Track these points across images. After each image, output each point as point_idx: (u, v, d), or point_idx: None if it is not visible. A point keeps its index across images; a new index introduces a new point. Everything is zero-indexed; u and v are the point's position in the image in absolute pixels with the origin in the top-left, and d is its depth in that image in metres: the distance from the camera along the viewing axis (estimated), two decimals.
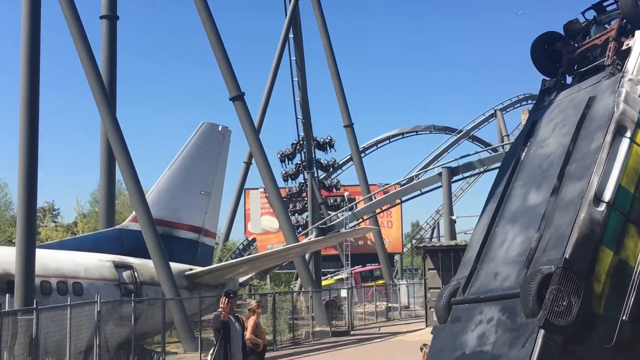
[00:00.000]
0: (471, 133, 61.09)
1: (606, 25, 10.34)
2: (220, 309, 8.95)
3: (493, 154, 47.85)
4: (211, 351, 9.83)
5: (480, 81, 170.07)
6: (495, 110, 58.42)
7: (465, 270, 9.21)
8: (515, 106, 59.28)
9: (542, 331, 7.17)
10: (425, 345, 12.55)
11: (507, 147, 45.80)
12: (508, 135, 56.21)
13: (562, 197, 8.30)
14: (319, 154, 45.21)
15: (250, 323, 10.95)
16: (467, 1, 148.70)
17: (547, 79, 10.37)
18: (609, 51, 9.24)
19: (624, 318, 7.67)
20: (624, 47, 9.16)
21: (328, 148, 45.04)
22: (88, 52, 21.27)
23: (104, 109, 21.38)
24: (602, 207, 7.93)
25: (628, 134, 8.30)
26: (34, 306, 14.03)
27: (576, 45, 10.24)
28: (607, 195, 8.01)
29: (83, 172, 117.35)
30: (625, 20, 9.43)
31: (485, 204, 9.83)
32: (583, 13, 10.58)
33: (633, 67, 8.77)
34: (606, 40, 9.53)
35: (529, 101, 59.01)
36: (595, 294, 7.59)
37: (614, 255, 7.83)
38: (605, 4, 10.27)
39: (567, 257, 7.50)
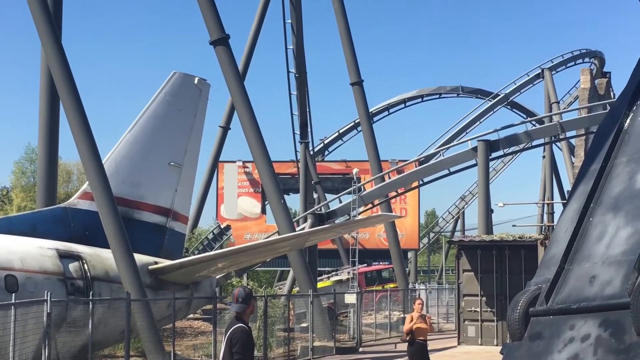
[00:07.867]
0: (510, 98, 60.97)
1: None
2: (234, 315, 8.50)
3: (538, 126, 47.82)
4: None
5: (522, 33, 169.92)
6: (542, 70, 58.11)
7: (547, 271, 8.96)
8: (569, 65, 59.08)
9: None
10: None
11: (557, 118, 45.70)
12: (558, 102, 56.11)
13: None
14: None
15: None
16: None
17: None
18: None
19: None
20: None
21: None
22: None
23: (46, 32, 20.57)
24: None
25: None
26: None
27: None
28: None
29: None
30: None
31: (574, 185, 9.57)
32: None
33: None
34: None
35: (587, 59, 58.88)
36: None
37: None
38: None
39: None
